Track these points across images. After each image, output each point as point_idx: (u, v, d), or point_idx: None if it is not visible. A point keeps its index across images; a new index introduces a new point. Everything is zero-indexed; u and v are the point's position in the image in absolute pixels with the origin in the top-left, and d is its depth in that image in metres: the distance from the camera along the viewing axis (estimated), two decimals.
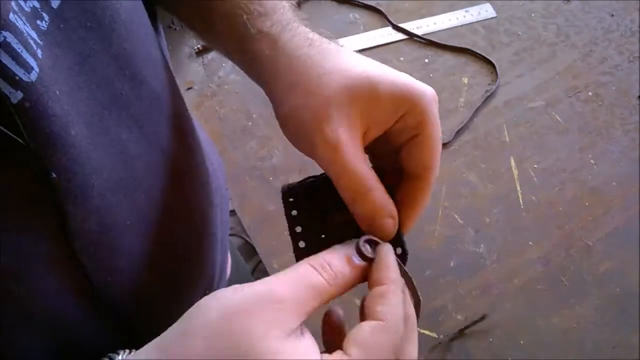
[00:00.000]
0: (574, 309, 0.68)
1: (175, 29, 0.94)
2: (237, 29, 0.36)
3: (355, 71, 0.33)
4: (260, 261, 0.74)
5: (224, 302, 0.27)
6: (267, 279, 0.28)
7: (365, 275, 0.31)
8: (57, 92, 0.27)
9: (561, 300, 0.69)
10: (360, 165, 0.32)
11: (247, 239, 0.75)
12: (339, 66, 0.34)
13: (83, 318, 0.33)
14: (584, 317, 0.68)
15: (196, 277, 0.44)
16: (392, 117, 0.33)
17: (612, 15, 0.94)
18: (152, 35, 0.37)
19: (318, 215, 0.35)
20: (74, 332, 0.33)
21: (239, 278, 0.67)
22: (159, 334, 0.35)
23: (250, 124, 0.83)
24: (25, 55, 0.25)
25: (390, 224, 0.32)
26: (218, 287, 0.49)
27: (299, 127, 0.33)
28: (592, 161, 0.80)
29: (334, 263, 0.30)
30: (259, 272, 1.30)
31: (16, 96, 0.24)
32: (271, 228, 0.74)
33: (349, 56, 0.35)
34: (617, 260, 0.71)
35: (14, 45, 0.24)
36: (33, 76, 0.25)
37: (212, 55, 0.91)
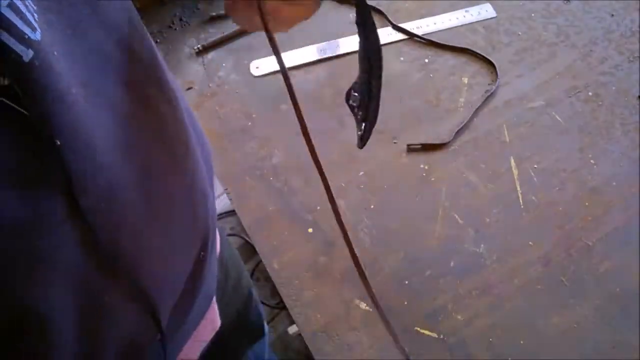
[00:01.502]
0: (574, 309, 0.68)
1: (175, 29, 0.94)
2: None
3: None
4: (260, 261, 0.74)
5: None
6: None
7: None
8: (55, 53, 0.27)
9: (561, 300, 0.69)
10: None
11: (247, 239, 0.75)
12: None
13: (97, 273, 0.34)
14: (584, 317, 0.68)
15: (193, 232, 0.46)
16: None
17: (612, 15, 0.95)
18: (134, 10, 0.38)
19: None
20: (92, 285, 0.34)
21: (228, 254, 0.69)
22: (161, 288, 0.35)
23: (250, 124, 0.83)
24: (29, 16, 0.25)
25: None
26: (211, 253, 0.51)
27: None
28: (592, 161, 0.80)
29: None
30: (259, 272, 1.31)
31: (27, 54, 0.25)
32: (271, 228, 0.74)
33: None
34: (617, 260, 0.71)
35: (20, 6, 0.25)
36: (38, 35, 0.26)
37: (212, 55, 0.91)
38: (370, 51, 0.38)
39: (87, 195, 0.31)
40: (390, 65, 0.89)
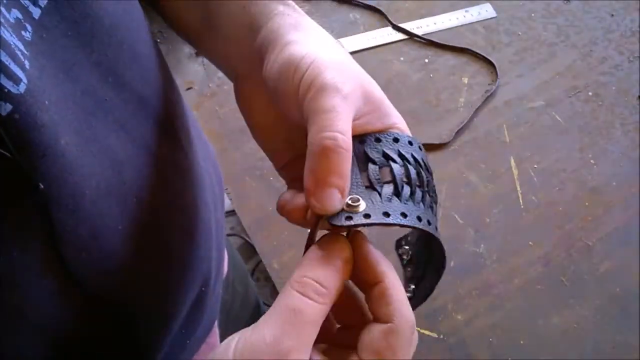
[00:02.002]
0: (574, 309, 0.68)
1: None
2: (249, 9, 0.37)
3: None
4: (261, 261, 0.74)
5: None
6: (268, 328, 0.27)
7: (350, 271, 0.30)
8: (46, 102, 0.26)
9: (561, 300, 0.69)
10: (350, 128, 0.31)
11: (247, 239, 0.75)
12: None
13: (78, 323, 0.33)
14: (584, 317, 0.68)
15: (190, 277, 0.44)
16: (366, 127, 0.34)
17: (612, 15, 0.95)
18: (145, 36, 0.37)
19: None
20: (71, 337, 0.33)
21: (237, 275, 0.67)
22: (156, 334, 0.35)
23: None
24: (13, 67, 0.25)
25: (337, 200, 0.29)
26: (215, 286, 0.49)
27: (309, 65, 0.32)
28: (592, 161, 0.80)
29: (326, 281, 0.28)
30: (259, 272, 1.31)
31: (5, 108, 0.24)
32: (271, 228, 0.74)
33: None
34: (617, 260, 0.71)
35: (2, 58, 0.24)
36: (22, 88, 0.25)
37: None
38: (436, 253, 0.33)
39: (67, 246, 0.29)
40: (390, 65, 0.89)
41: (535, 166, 0.79)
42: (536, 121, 0.83)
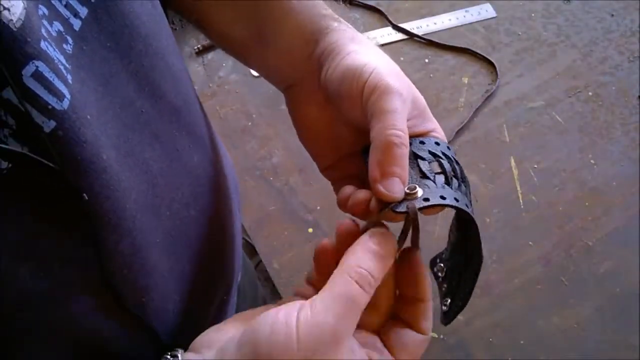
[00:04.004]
0: (574, 309, 0.68)
1: (175, 29, 0.94)
2: (303, 8, 0.40)
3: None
4: (261, 261, 0.74)
5: (295, 347, 0.28)
6: (318, 305, 0.29)
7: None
8: (88, 117, 0.26)
9: (561, 300, 0.69)
10: (405, 122, 0.34)
11: (247, 239, 0.75)
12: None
13: (115, 337, 0.33)
14: (584, 317, 0.68)
15: (219, 286, 0.45)
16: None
17: (612, 15, 0.94)
18: (172, 46, 0.37)
19: None
20: (108, 349, 0.33)
21: (247, 278, 0.67)
22: (181, 343, 0.35)
23: (250, 124, 0.83)
24: (57, 82, 0.24)
25: (400, 187, 0.33)
26: (233, 293, 0.50)
27: (371, 72, 0.35)
28: (592, 161, 0.80)
29: (371, 269, 0.31)
30: (259, 272, 1.31)
31: (49, 125, 0.24)
32: (271, 228, 0.74)
33: None
34: (617, 260, 0.71)
35: (46, 74, 0.24)
36: (65, 104, 0.25)
37: (212, 55, 0.91)
38: (472, 247, 0.36)
39: (110, 262, 0.30)
40: None
41: (535, 166, 0.79)
42: (536, 121, 0.83)
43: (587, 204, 0.76)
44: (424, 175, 0.34)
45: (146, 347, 0.36)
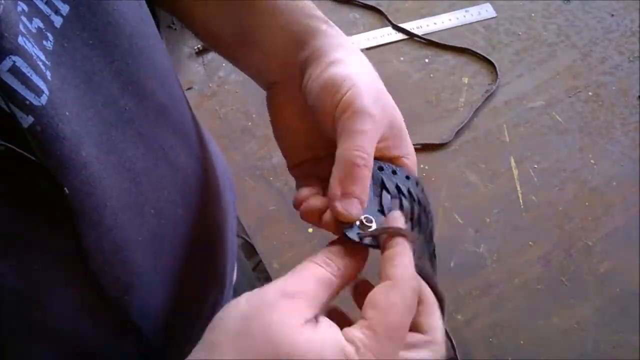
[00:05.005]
0: (574, 309, 0.68)
1: (175, 29, 0.94)
2: (291, 10, 0.39)
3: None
4: (261, 261, 0.74)
5: (241, 309, 0.28)
6: (276, 280, 0.29)
7: (366, 258, 0.33)
8: (67, 114, 0.26)
9: (561, 300, 0.69)
10: (373, 152, 0.34)
11: (247, 239, 0.75)
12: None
13: (100, 334, 0.33)
14: (584, 317, 0.68)
15: (210, 287, 0.45)
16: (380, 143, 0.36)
17: (612, 15, 0.94)
18: (159, 45, 0.37)
19: None
20: (92, 347, 0.33)
21: (244, 281, 0.67)
22: (172, 345, 0.35)
23: (250, 124, 0.83)
24: (35, 78, 0.24)
25: (359, 209, 0.33)
26: (228, 294, 0.49)
27: (351, 87, 0.35)
28: (592, 161, 0.80)
29: (335, 258, 0.31)
30: (259, 271, 1.31)
31: (27, 120, 0.24)
32: (271, 228, 0.74)
33: None
34: (617, 260, 0.71)
35: (24, 70, 0.24)
36: (43, 99, 0.25)
37: (212, 55, 0.91)
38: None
39: (91, 260, 0.30)
40: (390, 65, 0.89)
41: (535, 166, 0.79)
42: (536, 121, 0.83)
43: (587, 204, 0.76)
44: (381, 210, 0.34)
45: (131, 347, 0.36)
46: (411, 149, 0.38)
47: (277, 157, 0.79)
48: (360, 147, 0.33)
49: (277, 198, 0.76)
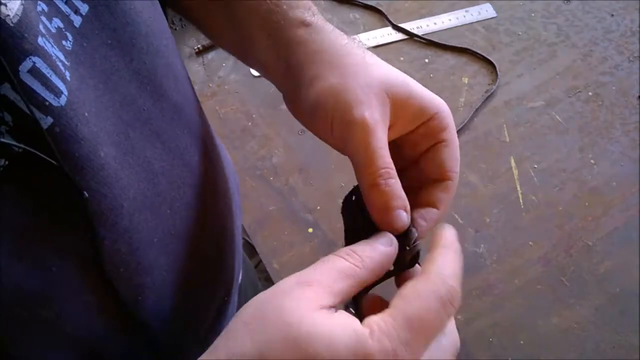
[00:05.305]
0: (574, 309, 0.68)
1: (176, 29, 0.94)
2: (271, 17, 0.37)
3: (394, 73, 0.36)
4: (261, 261, 0.74)
5: (259, 298, 0.28)
6: (295, 273, 0.29)
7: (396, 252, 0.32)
8: (86, 114, 0.26)
9: (561, 300, 0.69)
10: (387, 152, 0.33)
11: (247, 238, 0.75)
12: (380, 63, 0.36)
13: (112, 335, 0.33)
14: (584, 317, 0.68)
15: (219, 286, 0.45)
16: (412, 123, 0.35)
17: (612, 15, 0.94)
18: (172, 45, 0.37)
19: (356, 221, 0.36)
20: (104, 348, 0.33)
21: (247, 281, 0.67)
22: (181, 345, 0.35)
23: (250, 124, 0.83)
24: (55, 79, 0.24)
25: (404, 217, 0.32)
26: (234, 294, 0.49)
27: (333, 105, 0.33)
28: (592, 161, 0.80)
29: (358, 249, 0.30)
30: (259, 271, 1.31)
31: (46, 121, 0.24)
32: (271, 228, 0.74)
33: (383, 62, 0.38)
34: (617, 260, 0.71)
35: (43, 70, 0.24)
36: (62, 100, 0.25)
37: (212, 55, 0.91)
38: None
39: (107, 261, 0.29)
40: (390, 65, 0.89)
41: (535, 166, 0.79)
42: (536, 121, 0.83)
43: (587, 203, 0.76)
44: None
45: (143, 347, 0.36)
46: (433, 106, 0.35)
47: (277, 157, 0.79)
48: (370, 166, 0.32)
49: (277, 198, 0.76)
